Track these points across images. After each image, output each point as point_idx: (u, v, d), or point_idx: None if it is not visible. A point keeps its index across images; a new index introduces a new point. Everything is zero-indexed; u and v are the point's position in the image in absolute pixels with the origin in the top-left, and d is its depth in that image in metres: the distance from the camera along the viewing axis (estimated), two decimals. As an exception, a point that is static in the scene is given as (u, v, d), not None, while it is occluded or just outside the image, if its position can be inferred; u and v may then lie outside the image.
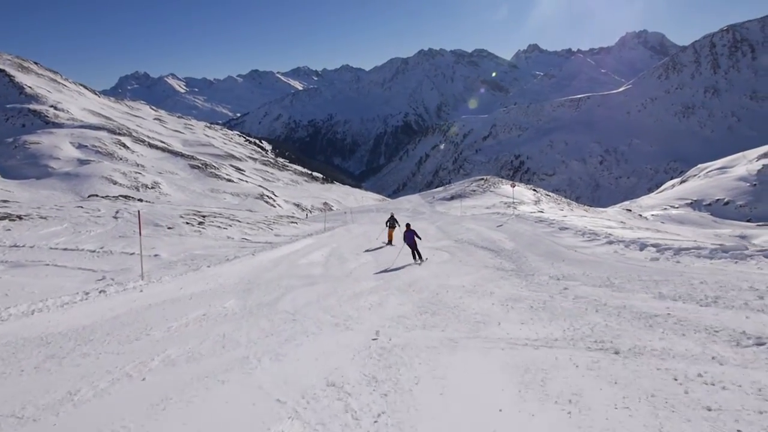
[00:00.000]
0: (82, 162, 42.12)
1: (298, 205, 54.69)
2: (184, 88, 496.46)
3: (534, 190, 45.44)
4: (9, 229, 13.05)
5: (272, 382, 3.74)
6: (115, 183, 38.61)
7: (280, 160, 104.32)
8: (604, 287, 6.88)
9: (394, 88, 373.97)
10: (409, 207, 38.72)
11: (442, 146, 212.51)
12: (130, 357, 4.33)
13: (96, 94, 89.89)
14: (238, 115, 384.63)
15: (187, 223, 17.42)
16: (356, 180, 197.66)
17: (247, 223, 20.29)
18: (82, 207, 19.09)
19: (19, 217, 14.59)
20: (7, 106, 56.77)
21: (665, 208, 34.82)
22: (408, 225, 13.89)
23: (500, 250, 12.17)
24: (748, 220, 30.55)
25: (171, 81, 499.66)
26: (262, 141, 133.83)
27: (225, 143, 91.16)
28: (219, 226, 18.06)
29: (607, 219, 22.89)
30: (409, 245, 13.17)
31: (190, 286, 8.13)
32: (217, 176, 53.94)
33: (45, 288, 7.79)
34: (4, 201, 25.29)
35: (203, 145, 77.66)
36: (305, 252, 13.38)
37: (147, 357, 4.32)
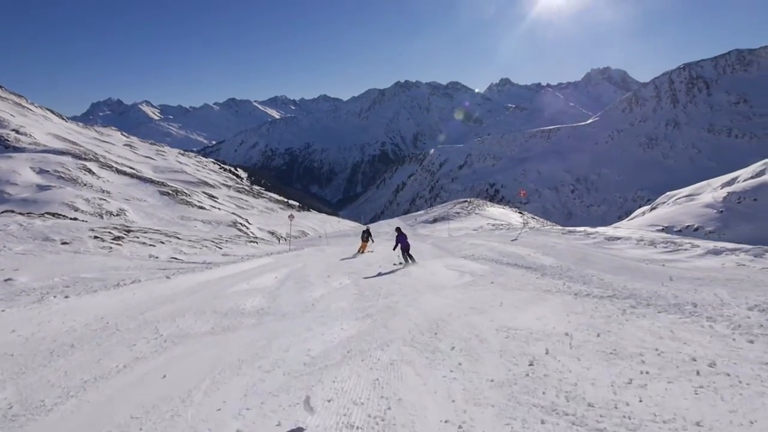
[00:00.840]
0: (42, 188, 39.81)
1: (272, 233, 53.12)
2: (159, 115, 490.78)
3: (520, 212, 45.58)
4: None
5: None
6: (76, 209, 36.43)
7: (256, 187, 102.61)
8: None
9: (371, 117, 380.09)
10: (389, 230, 35.72)
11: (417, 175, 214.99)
12: None
13: (63, 119, 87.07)
14: (214, 142, 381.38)
15: (97, 237, 14.59)
16: (333, 208, 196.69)
17: (190, 240, 18.19)
18: None
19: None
20: (-36, 129, 53.91)
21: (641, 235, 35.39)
22: (398, 229, 14.07)
23: (541, 267, 9.60)
24: (720, 246, 30.96)
25: (145, 108, 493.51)
26: (238, 168, 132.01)
27: (198, 170, 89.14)
28: (144, 243, 15.34)
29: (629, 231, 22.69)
30: (403, 248, 12.85)
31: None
32: (188, 203, 52.04)
33: None
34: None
35: (175, 171, 75.54)
36: (251, 275, 10.18)
37: None
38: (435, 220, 39.87)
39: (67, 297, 7.31)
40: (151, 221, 42.22)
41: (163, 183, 56.84)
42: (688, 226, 37.68)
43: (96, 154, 60.81)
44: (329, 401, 3.19)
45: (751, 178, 44.26)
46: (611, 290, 6.71)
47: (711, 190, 46.43)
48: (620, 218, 71.69)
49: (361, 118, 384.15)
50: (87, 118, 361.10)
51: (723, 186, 45.11)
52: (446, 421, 2.85)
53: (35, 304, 6.78)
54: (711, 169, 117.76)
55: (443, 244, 17.67)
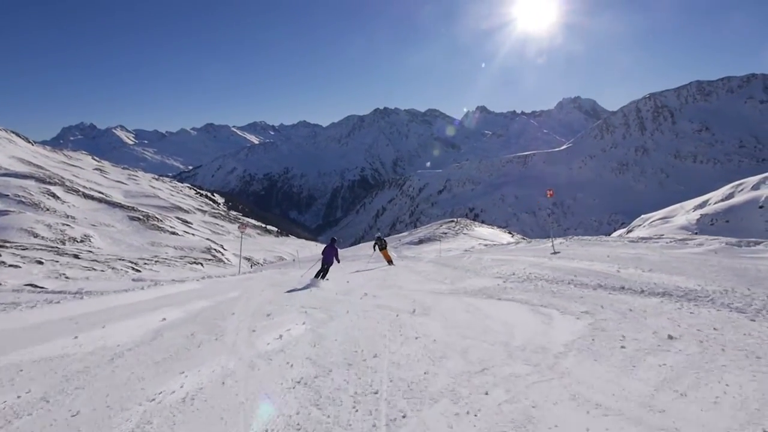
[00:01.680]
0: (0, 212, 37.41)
1: (248, 259, 51.27)
2: (133, 140, 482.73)
3: (509, 232, 45.23)
4: None
5: None
6: (36, 236, 34.15)
7: (233, 213, 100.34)
8: None
9: (350, 143, 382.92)
10: (371, 253, 32.17)
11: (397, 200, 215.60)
12: None
13: (30, 142, 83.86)
14: (191, 167, 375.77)
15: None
16: (313, 233, 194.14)
17: (95, 260, 16.27)
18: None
19: None
20: None
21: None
22: (333, 239, 13.04)
23: (704, 297, 5.74)
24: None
25: (119, 132, 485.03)
26: (215, 194, 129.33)
27: (172, 195, 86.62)
28: (10, 264, 12.42)
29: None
30: (324, 262, 12.08)
31: None
32: (159, 228, 49.88)
33: None
34: None
35: (147, 196, 73.05)
36: (122, 314, 6.64)
37: None
38: (421, 241, 37.62)
39: None
40: (119, 248, 40.07)
41: (133, 208, 54.60)
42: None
43: (62, 178, 58.25)
44: None
45: (722, 200, 45.55)
46: None
47: (684, 213, 47.50)
48: (597, 241, 72.83)
49: (340, 143, 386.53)
50: (57, 143, 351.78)
51: (695, 208, 46.25)
52: None
53: None
54: (680, 193, 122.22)
55: (454, 262, 13.73)
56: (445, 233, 39.98)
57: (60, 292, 10.69)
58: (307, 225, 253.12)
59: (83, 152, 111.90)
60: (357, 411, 3.09)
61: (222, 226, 73.43)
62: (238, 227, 19.35)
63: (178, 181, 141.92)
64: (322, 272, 11.87)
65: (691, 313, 5.11)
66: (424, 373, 3.65)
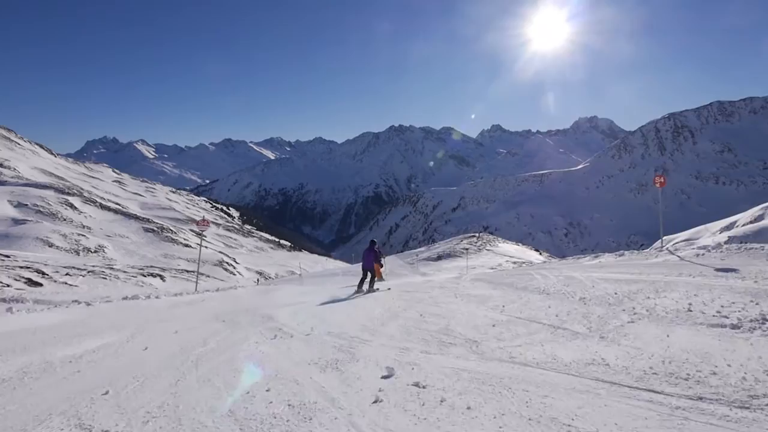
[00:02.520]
0: (17, 222, 37.83)
1: (260, 273, 50.97)
2: (153, 153, 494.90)
3: (536, 249, 43.73)
4: None
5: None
6: (51, 245, 34.38)
7: (247, 226, 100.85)
8: None
9: (365, 160, 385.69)
10: (384, 270, 28.41)
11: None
12: None
13: (53, 154, 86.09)
14: (207, 181, 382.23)
15: None
16: (326, 249, 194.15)
17: (49, 269, 14.77)
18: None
19: None
20: (-53, 161, 52.47)
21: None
22: (372, 242, 12.24)
23: None
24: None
25: (140, 146, 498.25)
26: (230, 207, 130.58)
27: (188, 207, 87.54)
28: None
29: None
30: (364, 270, 11.20)
31: None
32: (173, 240, 50.04)
33: None
34: None
35: (163, 208, 73.85)
36: None
37: None
38: (440, 257, 35.22)
39: None
40: (132, 259, 40.13)
41: (148, 219, 55.03)
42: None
43: (81, 189, 59.24)
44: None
45: (751, 222, 43.85)
46: None
47: (710, 235, 46.04)
48: (616, 262, 70.92)
49: (355, 160, 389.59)
50: (81, 156, 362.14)
51: (722, 230, 44.81)
52: None
53: None
54: (701, 215, 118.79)
55: (514, 280, 9.28)
56: (467, 249, 37.51)
57: None
58: (321, 240, 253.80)
59: (104, 165, 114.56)
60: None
61: (235, 240, 73.63)
62: (198, 223, 15.70)
63: (195, 194, 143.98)
64: (365, 283, 10.95)
65: None
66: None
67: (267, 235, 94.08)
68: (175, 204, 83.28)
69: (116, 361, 4.47)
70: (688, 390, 2.90)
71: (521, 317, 5.61)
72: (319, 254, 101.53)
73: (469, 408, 2.83)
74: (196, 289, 14.03)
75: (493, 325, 5.28)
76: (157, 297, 11.79)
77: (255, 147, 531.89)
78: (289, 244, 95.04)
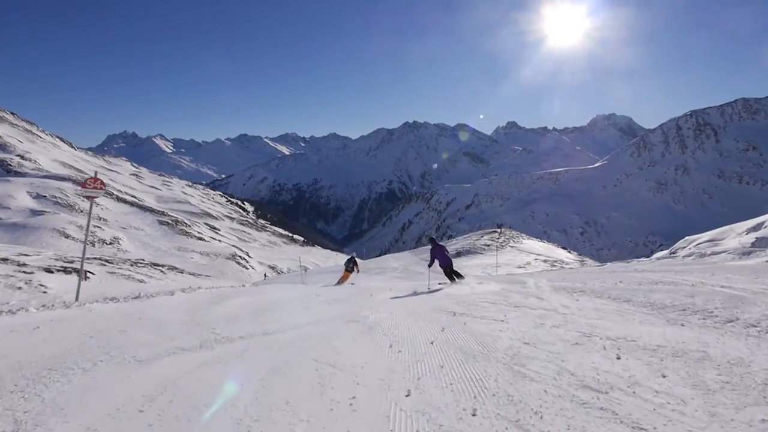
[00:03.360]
0: (35, 213, 38.53)
1: (273, 267, 51.13)
2: (171, 148, 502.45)
3: (564, 247, 41.78)
4: None
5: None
6: (67, 236, 34.90)
7: (261, 221, 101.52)
8: None
9: (379, 156, 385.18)
10: (397, 266, 27.49)
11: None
12: None
13: (73, 147, 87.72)
14: (223, 176, 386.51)
15: None
16: (339, 244, 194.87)
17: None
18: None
19: None
20: (-30, 153, 53.74)
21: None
22: (433, 239, 11.60)
23: None
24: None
25: (158, 141, 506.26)
26: (245, 202, 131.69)
27: (203, 201, 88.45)
28: None
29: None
30: (443, 266, 10.54)
31: None
32: (187, 234, 50.48)
33: None
34: None
35: (179, 202, 74.71)
36: None
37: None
38: (459, 254, 32.38)
39: None
40: (146, 251, 40.54)
41: (163, 212, 55.63)
42: (713, 272, 35.59)
43: (99, 181, 60.22)
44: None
45: (779, 223, 42.26)
46: None
47: (735, 236, 44.42)
48: (634, 263, 69.16)
49: (369, 156, 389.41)
50: (101, 149, 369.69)
51: (749, 231, 43.18)
52: None
53: None
54: (723, 215, 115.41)
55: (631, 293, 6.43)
56: (488, 245, 34.76)
57: None
58: (334, 236, 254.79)
59: (123, 158, 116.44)
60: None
61: (249, 234, 74.10)
62: (85, 184, 8.50)
63: (211, 188, 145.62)
64: (452, 276, 10.37)
65: None
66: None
67: (280, 230, 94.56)
68: (190, 198, 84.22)
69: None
70: None
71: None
72: (331, 249, 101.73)
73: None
74: (76, 299, 8.11)
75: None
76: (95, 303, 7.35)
77: (270, 142, 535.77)
78: (302, 239, 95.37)
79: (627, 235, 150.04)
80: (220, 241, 56.62)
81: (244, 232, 74.48)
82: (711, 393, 2.79)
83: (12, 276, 10.71)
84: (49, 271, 12.04)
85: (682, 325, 4.42)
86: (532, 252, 32.08)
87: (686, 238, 51.66)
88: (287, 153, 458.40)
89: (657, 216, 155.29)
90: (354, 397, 2.95)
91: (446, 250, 10.85)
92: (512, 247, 34.33)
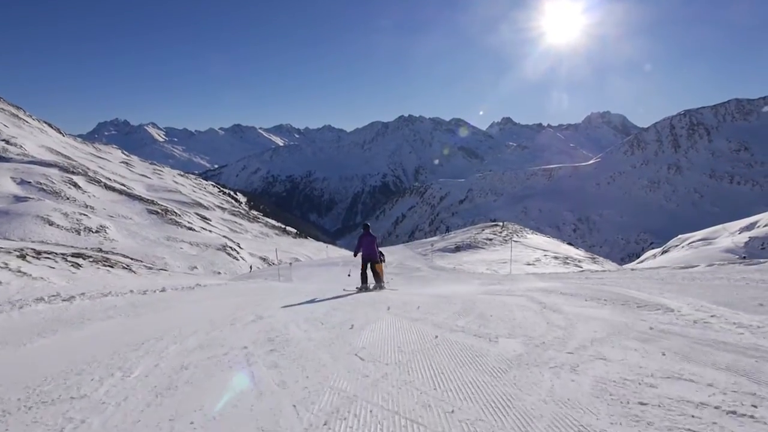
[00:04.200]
0: (18, 199, 37.47)
1: (264, 259, 50.46)
2: (163, 137, 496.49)
3: (569, 243, 40.77)
4: None
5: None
6: (51, 224, 33.94)
7: (253, 212, 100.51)
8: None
9: (373, 149, 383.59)
10: (392, 261, 23.46)
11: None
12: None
13: (61, 133, 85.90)
14: (216, 166, 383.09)
15: None
16: (331, 237, 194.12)
17: None
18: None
19: None
20: (-47, 137, 52.27)
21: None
22: (366, 225, 9.77)
23: None
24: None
25: (150, 129, 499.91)
26: (237, 193, 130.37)
27: (194, 191, 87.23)
28: None
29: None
30: (363, 258, 9.02)
31: None
32: (177, 223, 49.57)
33: None
34: None
35: (169, 191, 73.52)
36: None
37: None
38: (458, 248, 30.63)
39: None
40: (134, 241, 39.69)
41: (153, 201, 54.60)
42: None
43: (87, 168, 58.90)
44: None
45: (773, 223, 42.29)
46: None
47: (728, 235, 44.29)
48: (623, 260, 69.17)
49: (364, 149, 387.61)
50: (92, 137, 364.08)
51: (741, 231, 43.07)
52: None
53: None
54: (714, 215, 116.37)
55: None
56: (490, 239, 33.00)
57: None
58: (327, 228, 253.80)
59: (114, 146, 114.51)
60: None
61: (240, 225, 73.19)
62: None
63: (203, 179, 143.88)
64: (366, 276, 9.06)
65: None
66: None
67: (273, 221, 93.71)
68: (181, 187, 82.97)
69: None
70: None
71: None
72: (325, 242, 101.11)
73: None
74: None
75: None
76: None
77: (264, 133, 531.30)
78: (295, 230, 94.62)
79: (619, 233, 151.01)
80: (210, 231, 55.75)
81: (236, 222, 73.56)
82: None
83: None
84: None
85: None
86: (539, 248, 30.52)
87: (679, 236, 51.71)
88: (281, 144, 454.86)
89: (649, 214, 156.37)
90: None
91: (376, 244, 9.44)
92: (517, 242, 32.48)
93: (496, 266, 22.10)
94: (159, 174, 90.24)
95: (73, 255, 14.36)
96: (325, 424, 2.16)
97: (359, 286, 9.22)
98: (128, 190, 57.47)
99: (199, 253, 41.98)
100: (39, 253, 12.62)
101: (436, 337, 3.89)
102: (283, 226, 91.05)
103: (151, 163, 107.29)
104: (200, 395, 2.62)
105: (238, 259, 44.55)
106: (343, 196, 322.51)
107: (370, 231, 9.58)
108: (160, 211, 51.23)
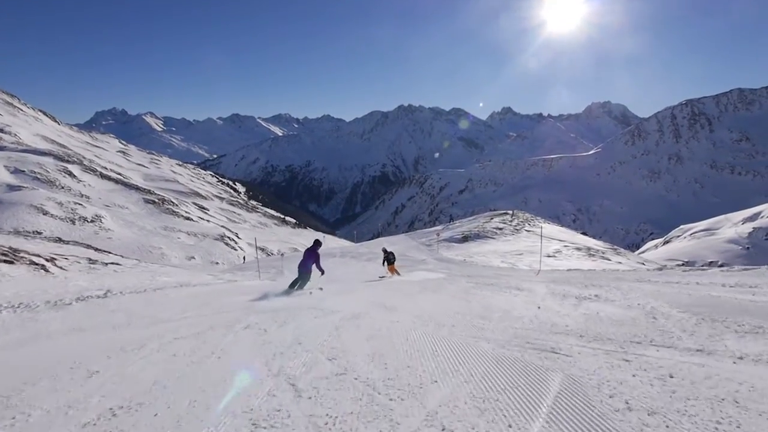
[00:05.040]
0: (12, 188, 36.91)
1: (263, 249, 50.06)
2: (162, 126, 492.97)
3: (584, 233, 39.82)
4: None
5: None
6: (45, 213, 33.46)
7: (252, 202, 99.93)
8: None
9: (373, 139, 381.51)
10: (393, 251, 18.39)
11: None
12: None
13: (56, 121, 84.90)
14: (215, 156, 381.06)
15: None
16: (331, 227, 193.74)
17: None
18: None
19: None
20: (-54, 125, 51.47)
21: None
22: (316, 241, 9.37)
23: None
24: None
25: (148, 119, 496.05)
26: (236, 183, 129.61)
27: (192, 180, 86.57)
28: None
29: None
30: (300, 272, 8.84)
31: None
32: (174, 213, 49.09)
33: None
34: None
35: (167, 180, 72.89)
36: None
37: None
38: (466, 238, 28.33)
39: None
40: (131, 231, 39.24)
41: (149, 191, 54.03)
42: (711, 262, 35.04)
43: (82, 157, 58.19)
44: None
45: (777, 213, 41.75)
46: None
47: (731, 225, 44.14)
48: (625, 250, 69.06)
49: (363, 139, 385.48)
50: (89, 126, 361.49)
51: (745, 221, 42.92)
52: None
53: None
54: (715, 205, 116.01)
55: None
56: (500, 229, 30.89)
57: None
58: (326, 218, 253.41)
59: (111, 135, 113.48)
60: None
61: (239, 215, 72.72)
62: None
63: (202, 168, 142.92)
64: (299, 282, 9.00)
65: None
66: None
67: (272, 211, 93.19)
68: (179, 177, 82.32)
69: None
70: None
71: None
72: (324, 232, 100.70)
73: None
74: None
75: None
76: None
77: (263, 123, 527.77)
78: (294, 220, 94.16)
79: (619, 223, 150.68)
80: (208, 221, 55.29)
81: (234, 212, 73.08)
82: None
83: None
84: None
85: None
86: (555, 238, 28.36)
87: (681, 226, 51.36)
88: (280, 134, 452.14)
89: (649, 204, 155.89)
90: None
91: (317, 260, 9.11)
92: (529, 231, 30.47)
93: (511, 258, 20.12)
94: (156, 163, 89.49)
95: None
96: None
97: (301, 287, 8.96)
98: (125, 180, 56.87)
99: (197, 243, 41.61)
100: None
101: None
102: (282, 216, 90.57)
103: (148, 153, 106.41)
104: None
105: (236, 249, 44.21)
106: (342, 186, 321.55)
107: (317, 248, 9.33)
108: (157, 200, 50.72)
